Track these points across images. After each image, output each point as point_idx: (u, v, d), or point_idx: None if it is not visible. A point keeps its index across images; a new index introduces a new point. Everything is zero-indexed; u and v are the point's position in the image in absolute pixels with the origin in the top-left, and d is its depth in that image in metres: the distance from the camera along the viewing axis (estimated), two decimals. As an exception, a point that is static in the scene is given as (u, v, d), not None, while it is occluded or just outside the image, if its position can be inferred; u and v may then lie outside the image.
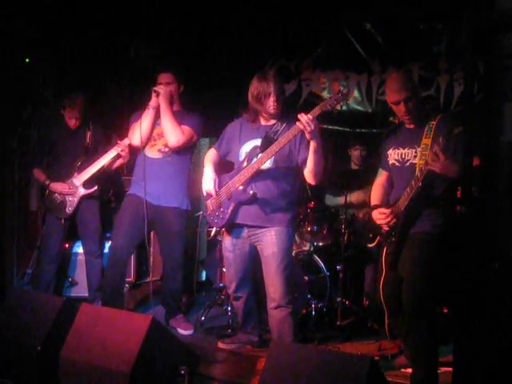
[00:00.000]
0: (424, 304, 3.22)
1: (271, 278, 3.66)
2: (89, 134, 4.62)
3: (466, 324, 2.74)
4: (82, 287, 4.91)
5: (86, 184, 4.56)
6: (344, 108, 5.27)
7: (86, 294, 4.74)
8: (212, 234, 4.86)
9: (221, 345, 4.01)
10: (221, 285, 4.84)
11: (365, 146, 5.06)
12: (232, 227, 3.76)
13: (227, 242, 3.82)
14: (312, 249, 4.74)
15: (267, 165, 3.60)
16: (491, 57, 2.73)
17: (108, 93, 5.64)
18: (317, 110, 3.38)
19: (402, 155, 3.36)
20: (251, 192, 3.61)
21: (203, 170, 3.86)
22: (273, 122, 3.70)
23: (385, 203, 3.45)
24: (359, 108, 5.53)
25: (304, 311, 4.33)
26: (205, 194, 3.81)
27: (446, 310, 4.10)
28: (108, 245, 4.94)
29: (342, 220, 4.60)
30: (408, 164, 3.31)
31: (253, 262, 3.83)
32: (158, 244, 4.58)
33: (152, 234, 5.39)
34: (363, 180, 4.78)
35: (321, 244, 4.85)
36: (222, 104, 5.49)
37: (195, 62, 5.49)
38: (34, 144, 5.06)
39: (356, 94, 5.49)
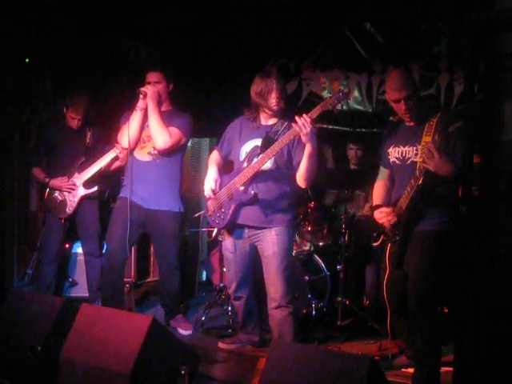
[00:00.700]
0: (429, 303, 3.22)
1: (272, 278, 3.66)
2: (89, 134, 4.61)
3: (466, 324, 2.74)
4: (82, 287, 4.91)
5: (87, 184, 4.56)
6: (344, 108, 5.27)
7: (86, 294, 4.74)
8: (213, 234, 4.86)
9: (221, 345, 4.01)
10: (221, 285, 4.84)
11: (360, 145, 5.05)
12: (233, 228, 3.76)
13: (228, 242, 3.82)
14: (312, 248, 4.75)
15: (268, 165, 3.59)
16: (491, 56, 2.72)
17: (108, 93, 5.63)
18: (317, 110, 3.38)
19: (402, 153, 3.35)
20: (252, 192, 3.61)
21: (206, 170, 3.86)
22: (273, 121, 3.70)
23: (387, 201, 3.44)
24: (359, 108, 5.52)
25: (304, 311, 4.33)
26: (206, 194, 3.81)
27: (446, 310, 4.09)
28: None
29: (342, 220, 4.60)
30: (409, 162, 3.30)
31: (253, 262, 3.83)
32: (153, 247, 4.56)
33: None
34: (361, 180, 4.78)
35: (321, 244, 4.86)
36: (222, 104, 5.48)
37: (195, 62, 5.48)
38: (34, 144, 5.05)
39: (356, 93, 5.49)
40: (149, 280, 5.65)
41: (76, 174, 4.55)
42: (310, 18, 5.19)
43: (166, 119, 4.10)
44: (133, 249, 4.97)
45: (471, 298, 2.67)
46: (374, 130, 5.37)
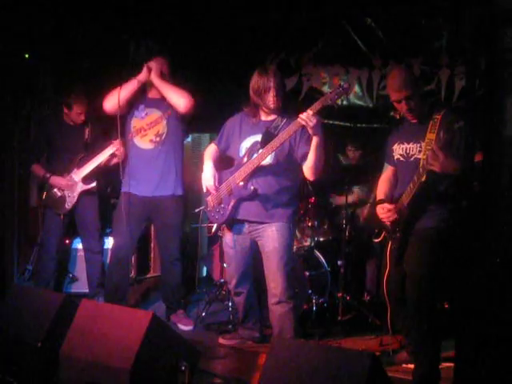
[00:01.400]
0: (428, 299, 3.22)
1: (272, 274, 3.65)
2: (87, 129, 4.61)
3: (467, 319, 2.73)
4: (82, 283, 4.92)
5: (85, 179, 4.56)
6: (345, 103, 5.26)
7: (87, 290, 4.75)
8: (213, 230, 4.85)
9: (221, 340, 4.01)
10: (221, 280, 4.83)
11: (358, 146, 5.04)
12: (233, 223, 3.75)
13: (228, 238, 3.82)
14: (313, 244, 4.74)
15: (268, 160, 3.58)
16: (493, 51, 2.71)
17: (106, 89, 5.62)
18: (317, 105, 3.37)
19: (406, 150, 3.34)
20: (252, 188, 3.60)
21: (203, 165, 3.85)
22: (273, 117, 3.69)
23: (390, 198, 3.44)
24: (360, 103, 5.50)
25: (305, 307, 4.33)
26: (205, 190, 3.80)
27: (447, 305, 4.09)
28: (108, 241, 4.94)
29: (343, 215, 4.59)
30: (413, 159, 3.29)
31: (253, 257, 3.82)
32: (156, 237, 4.56)
33: (152, 229, 5.39)
34: (362, 176, 4.77)
35: (322, 239, 4.86)
36: (223, 99, 5.47)
37: (196, 57, 5.47)
38: (34, 139, 5.05)
39: (357, 88, 5.46)
40: (149, 276, 5.65)
41: (75, 170, 4.56)
42: (311, 13, 5.17)
43: (166, 104, 4.13)
44: (133, 245, 4.97)
45: (473, 293, 2.66)
46: (375, 126, 5.36)
